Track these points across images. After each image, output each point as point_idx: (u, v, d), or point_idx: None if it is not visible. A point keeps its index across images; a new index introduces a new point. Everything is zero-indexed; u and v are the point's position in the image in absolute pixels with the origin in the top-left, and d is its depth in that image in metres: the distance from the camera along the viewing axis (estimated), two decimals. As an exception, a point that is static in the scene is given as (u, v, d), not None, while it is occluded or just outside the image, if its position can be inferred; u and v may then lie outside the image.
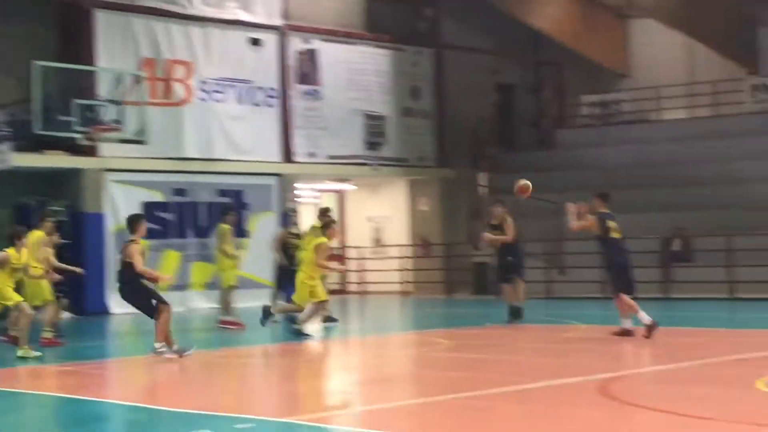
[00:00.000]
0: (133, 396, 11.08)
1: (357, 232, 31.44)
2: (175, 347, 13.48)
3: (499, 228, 17.67)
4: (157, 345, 13.38)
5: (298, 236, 19.25)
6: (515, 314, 17.14)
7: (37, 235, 15.55)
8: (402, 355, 14.79)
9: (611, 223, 14.68)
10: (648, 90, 32.10)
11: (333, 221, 16.75)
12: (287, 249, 19.38)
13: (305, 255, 16.12)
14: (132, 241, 13.48)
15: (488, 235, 17.59)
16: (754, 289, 22.67)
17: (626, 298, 14.54)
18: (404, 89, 29.66)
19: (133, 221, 13.79)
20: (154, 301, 13.43)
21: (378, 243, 31.19)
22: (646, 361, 12.58)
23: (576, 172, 29.67)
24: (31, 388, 11.45)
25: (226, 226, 18.44)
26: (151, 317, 13.44)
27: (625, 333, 14.49)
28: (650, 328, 14.21)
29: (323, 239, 15.77)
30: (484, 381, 11.14)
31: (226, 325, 17.93)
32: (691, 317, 19.60)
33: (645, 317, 14.28)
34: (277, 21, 26.87)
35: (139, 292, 13.50)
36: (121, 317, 22.45)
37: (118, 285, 13.82)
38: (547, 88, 33.60)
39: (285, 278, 19.67)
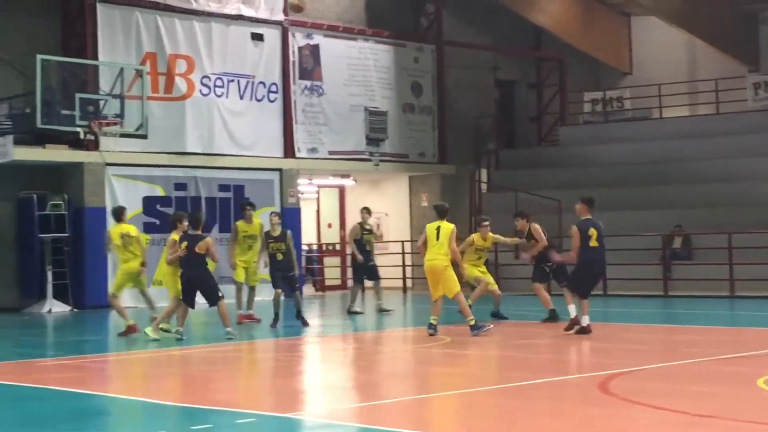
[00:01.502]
0: (134, 390, 11.10)
1: (357, 228, 31.41)
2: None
3: (533, 239, 17.64)
4: (229, 329, 15.27)
5: (370, 231, 19.96)
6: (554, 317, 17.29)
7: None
8: (401, 351, 14.80)
9: (592, 231, 14.94)
10: (650, 87, 32.11)
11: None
12: (362, 244, 19.53)
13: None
14: (198, 235, 15.34)
15: (526, 255, 17.65)
16: (754, 287, 22.69)
17: (567, 293, 15.34)
18: (405, 85, 29.66)
19: (198, 217, 15.81)
20: (220, 292, 15.41)
21: (378, 238, 31.18)
22: (647, 358, 12.60)
23: (577, 169, 29.70)
24: (31, 382, 11.47)
25: (239, 223, 18.50)
26: (213, 305, 15.39)
27: (575, 325, 14.99)
28: (572, 325, 14.96)
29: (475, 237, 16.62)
30: (483, 377, 11.16)
31: (245, 320, 18.06)
32: (691, 315, 19.61)
33: (573, 310, 15.10)
34: (279, 16, 26.87)
35: (212, 279, 15.57)
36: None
37: (190, 270, 15.29)
38: (548, 84, 33.62)
39: (361, 273, 19.80)
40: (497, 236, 18.32)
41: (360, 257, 19.78)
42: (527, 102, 33.79)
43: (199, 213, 16.47)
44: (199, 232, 15.53)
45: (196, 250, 15.21)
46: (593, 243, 14.91)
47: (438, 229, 15.50)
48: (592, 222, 15.09)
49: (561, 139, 32.43)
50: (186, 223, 15.77)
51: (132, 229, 16.80)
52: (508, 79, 33.23)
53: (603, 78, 35.19)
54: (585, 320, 14.90)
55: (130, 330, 16.13)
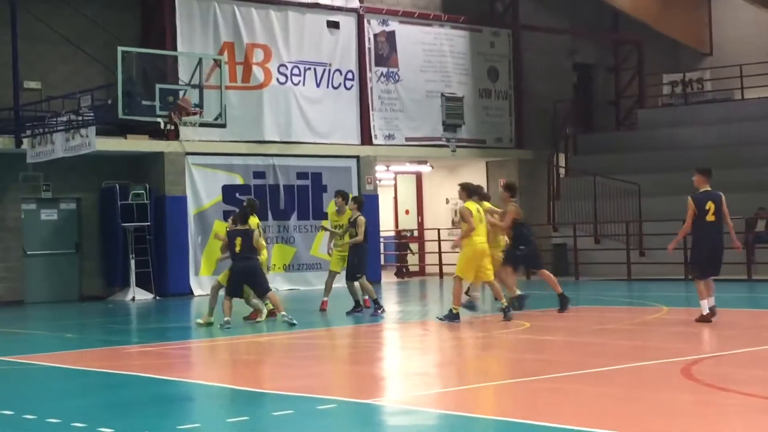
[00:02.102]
0: (216, 377, 11.25)
1: (434, 214, 31.46)
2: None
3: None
4: (283, 312, 15.59)
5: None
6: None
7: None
8: (479, 337, 14.78)
9: (709, 205, 13.91)
10: (731, 68, 31.56)
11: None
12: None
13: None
14: (249, 230, 15.74)
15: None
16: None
17: (701, 283, 14.00)
18: (481, 70, 29.55)
19: (245, 213, 16.14)
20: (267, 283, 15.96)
21: (455, 224, 31.16)
22: (730, 343, 12.42)
23: (656, 152, 29.34)
24: (117, 368, 11.68)
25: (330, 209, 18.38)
26: (262, 295, 15.91)
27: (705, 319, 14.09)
28: (706, 317, 13.88)
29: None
30: (563, 363, 11.09)
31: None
32: (775, 299, 19.28)
33: (706, 306, 13.90)
34: (355, 3, 26.93)
35: (262, 271, 16.07)
36: (204, 299, 22.77)
37: (244, 263, 15.56)
38: (626, 67, 33.23)
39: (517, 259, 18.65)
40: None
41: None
42: (605, 85, 33.46)
43: (245, 208, 16.49)
44: (248, 227, 15.81)
45: (254, 244, 15.59)
46: (710, 217, 13.81)
47: (479, 210, 15.43)
48: (710, 194, 14.02)
49: (640, 123, 32.05)
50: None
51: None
52: (586, 62, 32.92)
53: (682, 60, 34.66)
54: (705, 306, 13.84)
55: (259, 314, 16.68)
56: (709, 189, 14.21)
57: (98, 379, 11.03)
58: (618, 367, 10.44)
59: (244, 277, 15.68)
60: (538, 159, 30.12)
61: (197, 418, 8.71)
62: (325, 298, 18.06)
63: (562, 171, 30.52)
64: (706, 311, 13.96)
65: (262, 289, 15.83)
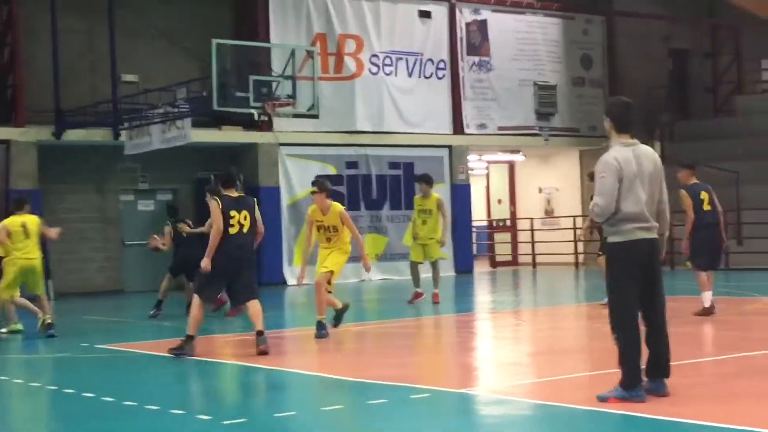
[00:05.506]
0: (310, 365, 11.33)
1: (527, 203, 31.27)
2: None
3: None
4: None
5: None
6: None
7: None
8: (573, 327, 14.66)
9: (703, 195, 14.16)
10: (833, 53, 30.77)
11: None
12: None
13: None
14: None
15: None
16: None
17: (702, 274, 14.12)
18: (575, 58, 29.26)
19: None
20: None
21: (549, 214, 30.95)
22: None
23: (755, 139, 28.68)
24: (212, 357, 11.84)
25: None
26: None
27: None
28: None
29: None
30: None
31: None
32: None
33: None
34: (446, -8, 26.87)
35: None
36: (297, 288, 22.95)
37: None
38: (723, 53, 32.57)
39: None
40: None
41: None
42: (702, 72, 32.84)
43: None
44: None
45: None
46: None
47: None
48: (699, 186, 14.36)
49: (738, 109, 31.38)
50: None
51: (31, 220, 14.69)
52: (682, 48, 32.35)
53: (783, 44, 33.86)
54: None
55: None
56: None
57: (194, 368, 11.18)
58: (720, 358, 10.25)
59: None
60: (633, 147, 29.70)
61: (292, 406, 8.78)
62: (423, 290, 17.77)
63: (657, 159, 30.06)
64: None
65: None
